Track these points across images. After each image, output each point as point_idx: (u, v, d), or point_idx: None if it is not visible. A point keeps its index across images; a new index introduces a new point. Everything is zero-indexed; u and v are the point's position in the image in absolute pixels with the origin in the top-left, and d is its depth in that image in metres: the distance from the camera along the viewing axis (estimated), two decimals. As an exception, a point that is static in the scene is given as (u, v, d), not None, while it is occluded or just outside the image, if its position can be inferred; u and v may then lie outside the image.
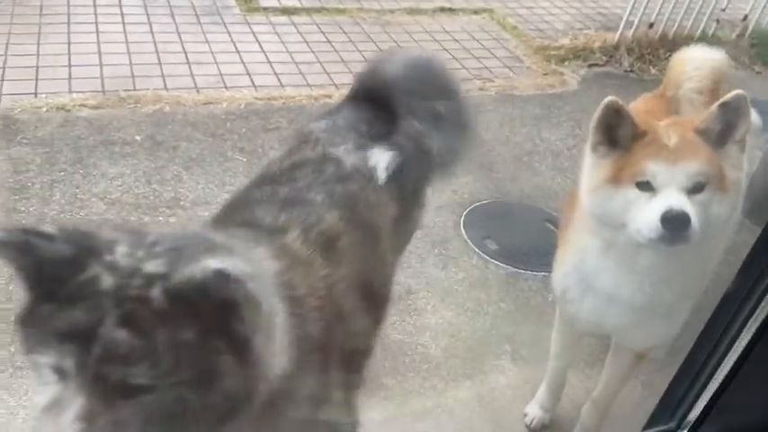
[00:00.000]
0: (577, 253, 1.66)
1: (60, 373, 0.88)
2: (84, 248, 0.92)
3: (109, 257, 0.92)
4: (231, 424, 0.96)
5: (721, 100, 1.46)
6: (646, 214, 1.41)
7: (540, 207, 3.09)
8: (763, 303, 1.19)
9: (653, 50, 4.55)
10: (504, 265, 2.74)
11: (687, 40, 4.23)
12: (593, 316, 1.70)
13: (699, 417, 0.97)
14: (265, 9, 4.56)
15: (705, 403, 1.20)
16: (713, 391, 1.21)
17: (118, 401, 0.87)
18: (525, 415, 2.14)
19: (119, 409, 0.87)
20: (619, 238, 1.50)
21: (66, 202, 2.68)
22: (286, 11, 4.57)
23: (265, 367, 0.98)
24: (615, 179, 1.47)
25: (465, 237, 2.86)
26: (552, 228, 2.95)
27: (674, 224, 1.38)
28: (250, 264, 1.01)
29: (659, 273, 1.54)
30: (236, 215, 1.40)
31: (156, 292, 0.88)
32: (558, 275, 1.76)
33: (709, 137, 1.46)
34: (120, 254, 0.93)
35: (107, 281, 0.89)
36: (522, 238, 2.90)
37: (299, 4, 4.68)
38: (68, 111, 3.21)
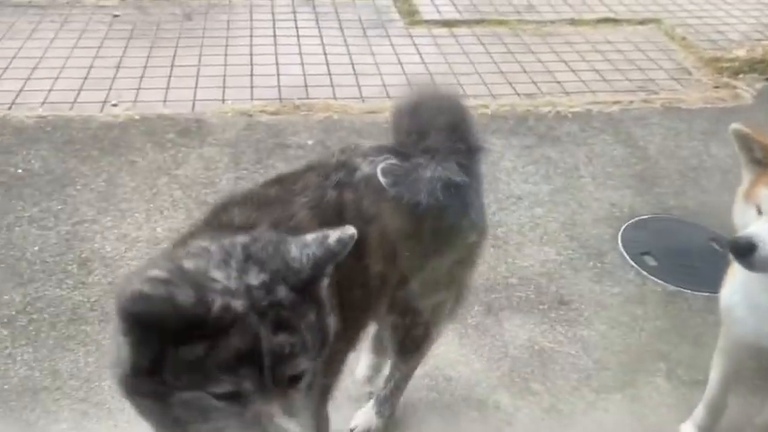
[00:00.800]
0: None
1: (230, 396, 0.98)
2: (196, 285, 0.97)
3: (216, 285, 0.99)
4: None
5: None
6: None
7: (705, 225, 2.96)
8: None
9: (844, 64, 4.19)
10: (662, 283, 2.67)
11: None
12: (760, 335, 1.65)
13: None
14: (427, 22, 4.72)
15: None
16: None
17: (289, 392, 1.01)
18: (680, 434, 2.09)
19: (291, 398, 1.01)
20: None
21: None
22: (447, 23, 4.71)
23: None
24: (747, 196, 1.58)
25: (622, 251, 2.81)
26: (718, 248, 2.82)
27: (736, 249, 1.49)
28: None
29: None
30: (223, 215, 1.32)
31: (282, 293, 1.01)
32: (726, 292, 1.74)
33: None
34: (221, 278, 1.00)
35: (236, 304, 0.97)
36: (684, 257, 2.80)
37: (459, 17, 4.80)
38: (250, 116, 3.56)
